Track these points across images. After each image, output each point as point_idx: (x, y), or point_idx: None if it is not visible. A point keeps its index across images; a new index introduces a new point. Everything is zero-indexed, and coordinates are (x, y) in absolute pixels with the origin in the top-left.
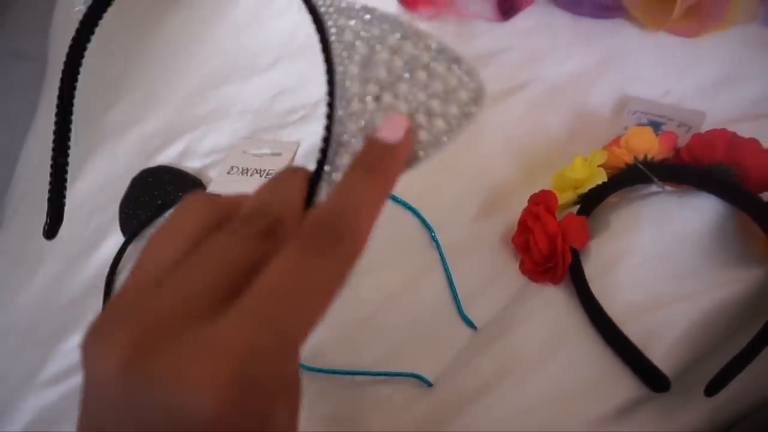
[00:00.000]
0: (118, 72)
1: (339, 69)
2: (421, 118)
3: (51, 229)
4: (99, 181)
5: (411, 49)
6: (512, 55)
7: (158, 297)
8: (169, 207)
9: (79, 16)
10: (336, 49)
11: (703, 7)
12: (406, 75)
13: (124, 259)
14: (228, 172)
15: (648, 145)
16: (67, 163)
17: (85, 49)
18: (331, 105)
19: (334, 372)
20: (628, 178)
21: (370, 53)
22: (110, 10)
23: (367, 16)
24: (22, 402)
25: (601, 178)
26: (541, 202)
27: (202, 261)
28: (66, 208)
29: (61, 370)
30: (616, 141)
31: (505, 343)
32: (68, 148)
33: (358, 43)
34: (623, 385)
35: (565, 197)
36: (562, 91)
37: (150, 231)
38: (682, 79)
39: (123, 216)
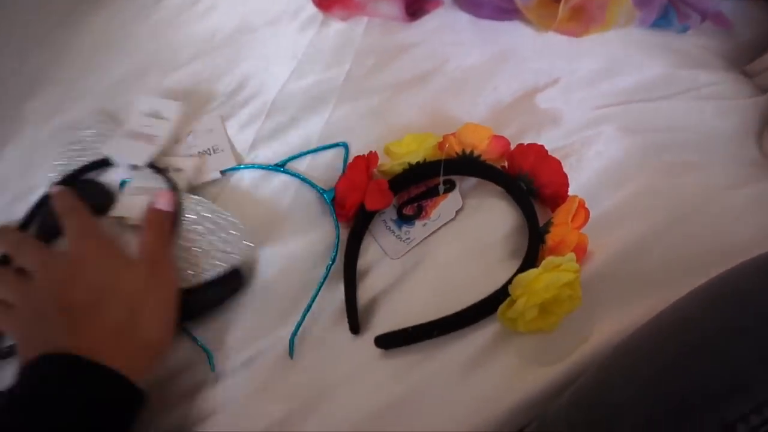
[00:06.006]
0: (38, 66)
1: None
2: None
3: None
4: (16, 168)
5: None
6: (417, 52)
7: None
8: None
9: None
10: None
11: (586, 11)
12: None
13: None
14: (123, 136)
15: (477, 142)
16: None
17: None
18: None
19: None
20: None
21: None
22: (33, 7)
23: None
24: None
25: (419, 157)
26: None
27: None
28: None
29: None
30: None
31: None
32: None
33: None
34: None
35: (393, 166)
36: (462, 82)
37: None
38: (568, 70)
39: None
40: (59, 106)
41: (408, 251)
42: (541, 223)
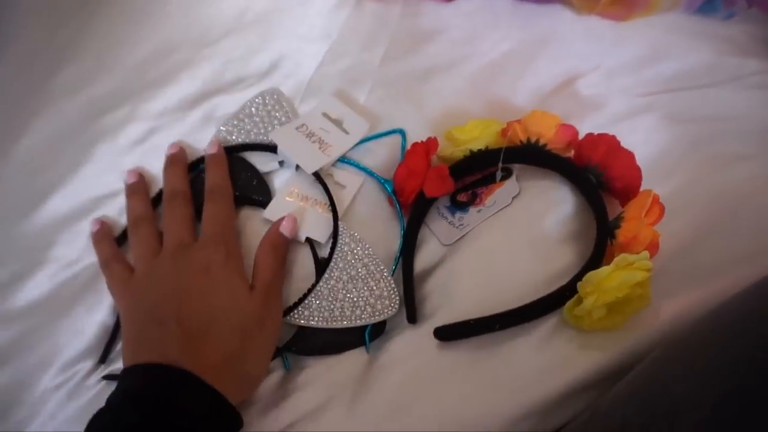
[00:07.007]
0: (67, 38)
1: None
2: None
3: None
4: (46, 140)
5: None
6: (454, 33)
7: None
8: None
9: None
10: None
11: None
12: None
13: None
14: (296, 128)
15: (545, 131)
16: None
17: None
18: None
19: None
20: (490, 156)
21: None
22: None
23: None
24: None
25: (482, 144)
26: (425, 144)
27: None
28: (11, 163)
29: None
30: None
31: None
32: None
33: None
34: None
35: (454, 152)
36: (501, 66)
37: None
38: (610, 56)
39: None
40: (87, 80)
41: (461, 237)
42: (609, 216)
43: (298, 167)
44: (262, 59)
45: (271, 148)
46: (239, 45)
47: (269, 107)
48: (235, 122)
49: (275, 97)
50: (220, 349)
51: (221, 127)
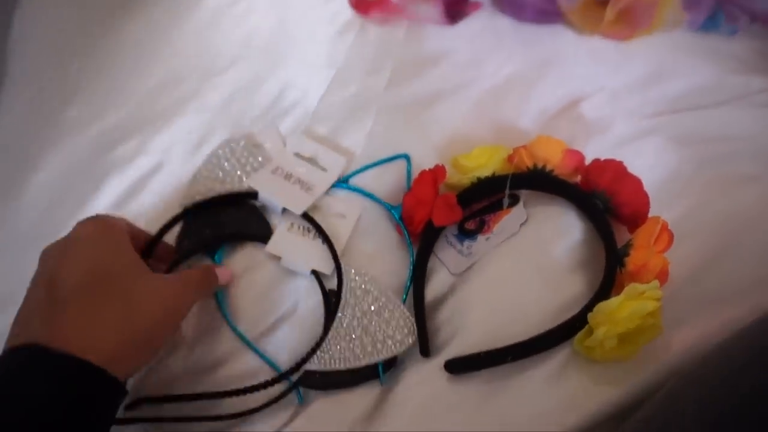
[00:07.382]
0: (76, 70)
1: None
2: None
3: None
4: (57, 176)
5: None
6: (458, 57)
7: None
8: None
9: None
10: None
11: (633, 13)
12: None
13: None
14: (272, 172)
15: (551, 156)
16: None
17: None
18: None
19: None
20: (497, 183)
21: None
22: (72, 11)
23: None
24: None
25: (489, 171)
26: (432, 172)
27: None
28: (23, 200)
29: None
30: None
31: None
32: None
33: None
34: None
35: (461, 180)
36: (505, 89)
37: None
38: (614, 77)
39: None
40: (98, 113)
41: (470, 266)
42: (618, 242)
43: (284, 210)
44: (269, 87)
45: (252, 195)
46: (246, 74)
47: (238, 154)
48: (205, 173)
49: (241, 143)
50: (90, 311)
51: (197, 177)
